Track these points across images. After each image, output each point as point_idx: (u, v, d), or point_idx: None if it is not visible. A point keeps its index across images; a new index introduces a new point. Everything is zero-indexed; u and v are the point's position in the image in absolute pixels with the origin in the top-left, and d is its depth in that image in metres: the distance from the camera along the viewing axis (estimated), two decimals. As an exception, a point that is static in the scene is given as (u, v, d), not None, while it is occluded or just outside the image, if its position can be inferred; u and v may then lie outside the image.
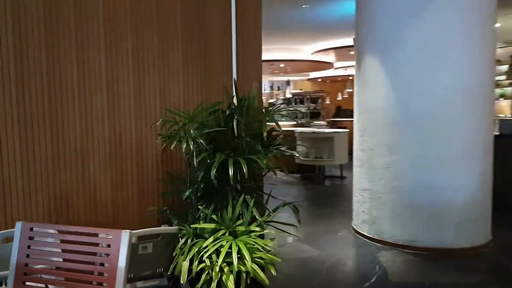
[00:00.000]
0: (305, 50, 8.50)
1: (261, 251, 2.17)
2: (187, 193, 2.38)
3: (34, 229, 1.72)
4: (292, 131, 8.42)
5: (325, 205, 5.91)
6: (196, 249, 2.06)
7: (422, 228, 3.91)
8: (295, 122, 10.54)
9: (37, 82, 2.49)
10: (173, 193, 2.65)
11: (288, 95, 11.02)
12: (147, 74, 2.83)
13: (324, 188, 7.20)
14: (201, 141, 2.18)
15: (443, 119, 3.78)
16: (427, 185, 3.86)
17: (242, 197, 2.20)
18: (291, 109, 14.54)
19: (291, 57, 8.43)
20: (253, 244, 2.08)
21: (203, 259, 2.05)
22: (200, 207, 2.29)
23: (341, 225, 4.78)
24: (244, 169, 2.17)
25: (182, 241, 2.23)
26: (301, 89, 14.27)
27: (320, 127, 10.79)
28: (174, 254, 2.25)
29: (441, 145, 3.80)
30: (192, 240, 2.18)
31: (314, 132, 7.82)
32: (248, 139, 2.38)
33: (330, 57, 8.91)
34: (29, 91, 2.47)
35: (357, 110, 4.53)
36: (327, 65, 9.09)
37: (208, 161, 2.21)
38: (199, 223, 2.22)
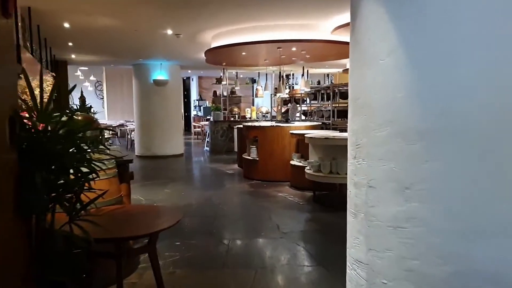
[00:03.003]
0: (325, 27, 6.38)
1: None
2: None
3: None
4: (303, 135, 6.37)
5: (324, 260, 3.84)
6: None
7: None
8: (317, 123, 8.44)
9: None
10: None
11: (305, 89, 8.90)
12: None
13: (338, 218, 5.11)
14: None
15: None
16: (484, 272, 1.74)
17: None
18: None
19: (304, 36, 6.32)
20: None
21: None
22: None
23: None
24: None
25: None
26: (342, 83, 12.00)
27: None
28: None
29: (521, 187, 1.66)
30: None
31: (326, 138, 5.71)
32: None
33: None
34: None
35: (350, 109, 2.49)
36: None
37: None
38: None
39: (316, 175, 5.76)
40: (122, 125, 15.64)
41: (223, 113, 13.24)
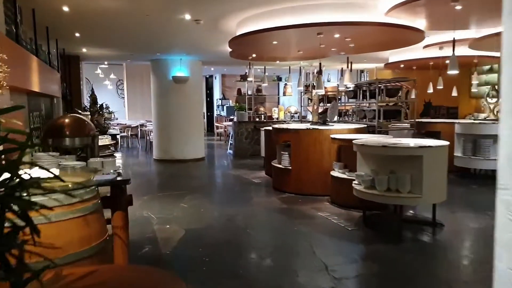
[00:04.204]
0: (376, 8, 5.14)
1: None
2: None
3: None
4: (351, 141, 5.13)
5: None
6: None
7: None
8: (362, 125, 7.16)
9: None
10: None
11: (347, 84, 7.62)
12: None
13: (404, 253, 3.87)
14: None
15: None
16: None
17: None
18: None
19: (350, 19, 5.09)
20: None
21: None
22: None
23: None
24: None
25: None
26: (389, 79, 10.56)
27: (400, 133, 7.30)
28: None
29: None
30: None
31: (384, 146, 4.47)
32: None
33: (417, 22, 5.44)
34: None
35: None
36: (413, 33, 5.52)
37: None
38: None
39: (369, 193, 4.52)
40: (142, 125, 14.70)
41: (248, 113, 12.09)
